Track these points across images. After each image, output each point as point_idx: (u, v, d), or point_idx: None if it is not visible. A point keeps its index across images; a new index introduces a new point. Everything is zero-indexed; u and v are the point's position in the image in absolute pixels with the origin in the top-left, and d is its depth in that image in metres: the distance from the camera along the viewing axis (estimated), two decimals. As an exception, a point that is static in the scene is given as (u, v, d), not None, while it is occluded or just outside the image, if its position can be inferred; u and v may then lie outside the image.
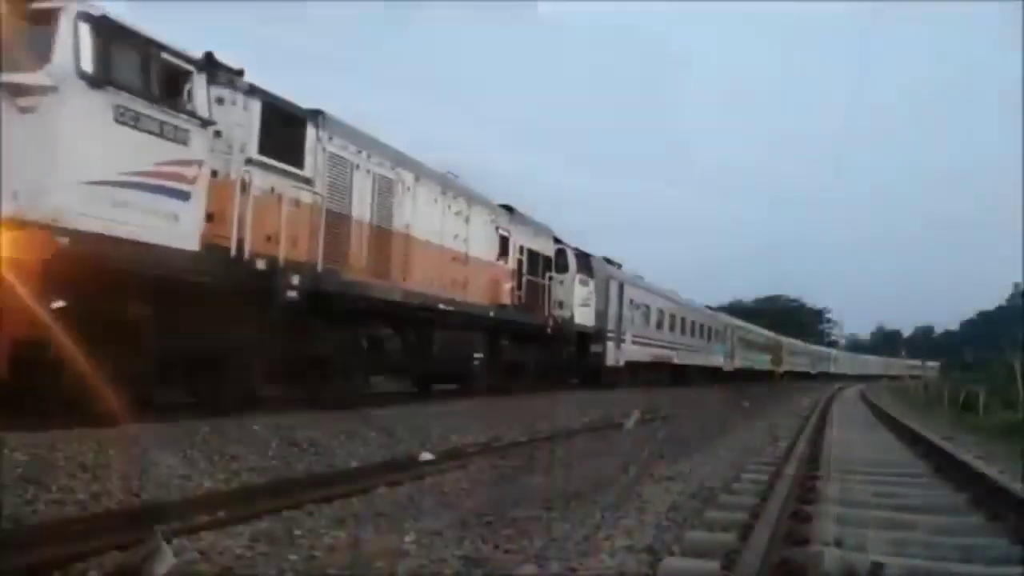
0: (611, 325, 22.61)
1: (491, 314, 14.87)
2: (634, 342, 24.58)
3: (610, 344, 22.50)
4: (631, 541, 4.38)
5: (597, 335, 21.59)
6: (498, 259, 15.54)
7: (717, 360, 37.45)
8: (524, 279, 16.88)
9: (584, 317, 20.41)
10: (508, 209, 16.58)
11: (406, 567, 3.89)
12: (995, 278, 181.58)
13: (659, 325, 28.31)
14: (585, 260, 21.33)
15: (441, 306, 12.63)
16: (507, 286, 15.90)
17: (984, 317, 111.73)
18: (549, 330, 18.14)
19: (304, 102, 9.80)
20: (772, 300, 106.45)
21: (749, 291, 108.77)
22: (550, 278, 18.46)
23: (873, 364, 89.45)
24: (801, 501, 5.25)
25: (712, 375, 35.50)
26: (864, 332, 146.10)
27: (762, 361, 47.89)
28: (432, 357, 12.64)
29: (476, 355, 14.41)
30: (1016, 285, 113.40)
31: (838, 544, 4.26)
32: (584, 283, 20.56)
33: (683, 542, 4.29)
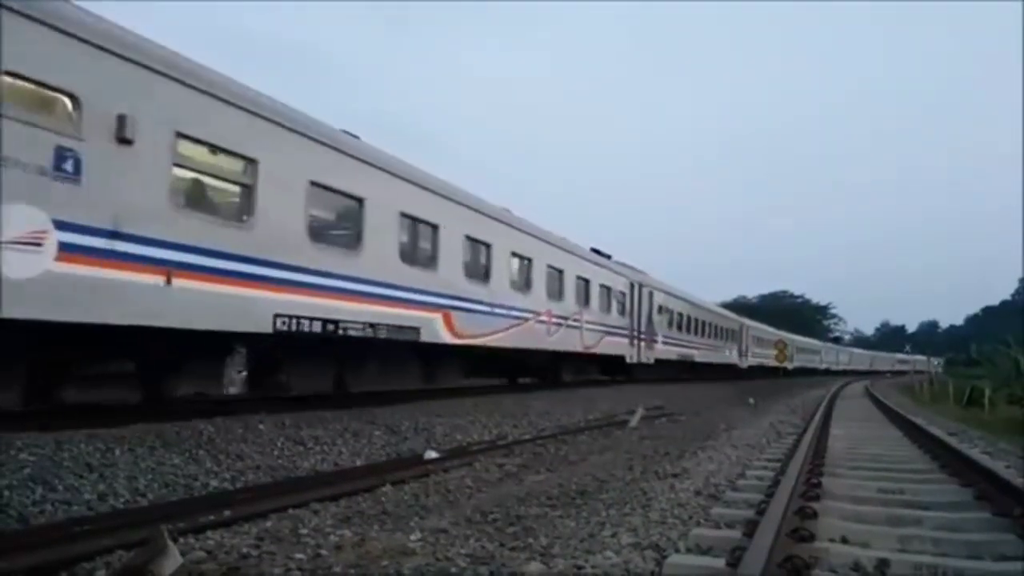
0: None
1: None
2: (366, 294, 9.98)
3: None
4: (636, 538, 4.38)
5: None
6: None
7: (615, 343, 21.62)
8: None
9: None
10: None
11: (412, 565, 3.89)
12: (1000, 274, 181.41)
13: (477, 271, 13.61)
14: None
15: None
16: None
17: (988, 312, 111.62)
18: None
19: None
20: (776, 297, 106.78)
21: (753, 289, 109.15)
22: None
23: (857, 358, 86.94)
24: (806, 498, 5.24)
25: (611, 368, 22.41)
26: (869, 328, 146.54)
27: (717, 349, 34.99)
28: None
29: None
30: (1021, 280, 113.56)
31: (844, 541, 4.26)
32: None
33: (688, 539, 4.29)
